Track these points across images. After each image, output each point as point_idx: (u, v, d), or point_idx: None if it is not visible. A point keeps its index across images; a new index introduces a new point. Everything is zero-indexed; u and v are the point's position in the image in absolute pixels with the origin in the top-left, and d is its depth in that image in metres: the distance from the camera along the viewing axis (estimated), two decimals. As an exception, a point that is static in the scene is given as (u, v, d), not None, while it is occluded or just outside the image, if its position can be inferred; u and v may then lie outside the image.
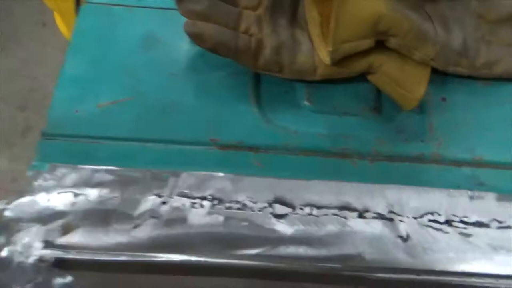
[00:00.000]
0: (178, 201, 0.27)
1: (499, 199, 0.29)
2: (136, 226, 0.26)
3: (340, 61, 0.29)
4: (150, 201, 0.27)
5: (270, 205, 0.28)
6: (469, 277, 0.26)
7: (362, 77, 0.32)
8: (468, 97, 0.33)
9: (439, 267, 0.26)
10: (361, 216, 0.28)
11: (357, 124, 0.32)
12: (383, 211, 0.28)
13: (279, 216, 0.27)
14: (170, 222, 0.26)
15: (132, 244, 0.26)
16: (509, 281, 0.26)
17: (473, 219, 0.28)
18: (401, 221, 0.28)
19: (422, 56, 0.29)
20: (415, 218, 0.28)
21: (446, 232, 0.28)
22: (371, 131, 0.31)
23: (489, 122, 0.32)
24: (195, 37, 0.29)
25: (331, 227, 0.27)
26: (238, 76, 0.33)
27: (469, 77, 0.33)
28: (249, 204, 0.28)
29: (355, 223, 0.27)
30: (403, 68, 0.30)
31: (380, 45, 0.30)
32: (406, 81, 0.30)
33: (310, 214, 0.28)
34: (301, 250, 0.26)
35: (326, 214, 0.28)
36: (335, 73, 0.30)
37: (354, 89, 0.33)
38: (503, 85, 0.34)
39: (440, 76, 0.33)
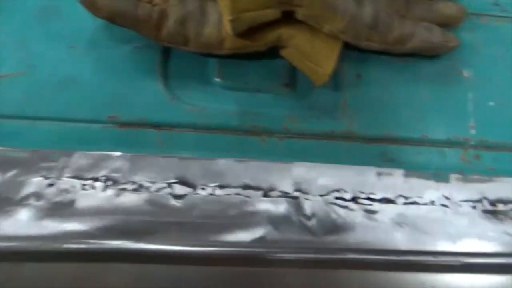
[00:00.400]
0: (66, 183, 0.25)
1: (407, 175, 0.29)
2: (17, 211, 0.24)
3: (246, 33, 0.28)
4: (34, 183, 0.25)
5: (170, 185, 0.26)
6: (372, 254, 0.26)
7: (277, 53, 0.31)
8: (383, 74, 0.32)
9: (343, 245, 0.26)
10: (266, 195, 0.27)
11: (269, 101, 0.30)
12: (289, 189, 0.27)
13: (178, 197, 0.26)
14: (56, 205, 0.24)
15: (12, 230, 0.24)
16: (411, 257, 0.26)
17: (379, 195, 0.28)
18: (306, 199, 0.27)
19: (331, 28, 0.28)
20: (321, 196, 0.27)
21: (352, 210, 0.27)
22: (283, 108, 0.30)
23: (402, 99, 0.31)
24: (88, 5, 0.27)
25: (233, 207, 0.26)
26: (145, 50, 0.30)
27: (384, 53, 0.32)
28: (146, 184, 0.26)
29: (259, 203, 0.26)
30: (313, 41, 0.29)
31: (290, 18, 0.29)
32: (317, 55, 0.29)
33: (211, 194, 0.26)
34: (200, 232, 0.25)
35: (228, 194, 0.26)
36: (243, 46, 0.29)
37: (268, 65, 0.32)
38: (418, 62, 0.33)
39: (356, 52, 0.32)
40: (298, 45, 0.29)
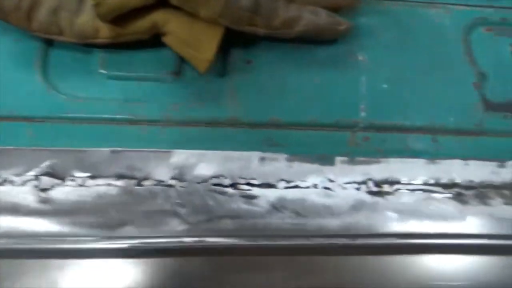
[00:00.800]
0: None
1: (290, 159, 0.28)
2: None
3: (120, 20, 0.27)
4: None
5: (36, 177, 0.25)
6: (246, 239, 0.26)
7: (164, 40, 0.31)
8: (274, 59, 0.32)
9: (217, 231, 0.26)
10: (139, 184, 0.26)
11: (153, 90, 0.30)
12: (165, 177, 0.27)
13: (44, 190, 0.25)
14: None
15: None
16: (286, 242, 0.26)
17: (260, 180, 0.27)
18: (182, 187, 0.26)
19: (208, 13, 0.28)
20: (199, 183, 0.27)
21: (230, 196, 0.27)
22: (167, 96, 0.30)
23: (293, 84, 0.31)
24: None
25: (103, 198, 0.25)
26: (25, 41, 0.29)
27: (277, 38, 0.32)
28: (11, 178, 0.25)
29: (131, 193, 0.26)
30: (192, 27, 0.28)
31: (166, 4, 0.28)
32: (196, 41, 0.28)
33: (81, 185, 0.26)
34: (66, 224, 0.25)
35: (99, 185, 0.26)
36: (119, 35, 0.28)
37: (155, 53, 0.31)
38: (314, 47, 0.33)
39: (246, 38, 0.32)
40: (176, 31, 0.28)
